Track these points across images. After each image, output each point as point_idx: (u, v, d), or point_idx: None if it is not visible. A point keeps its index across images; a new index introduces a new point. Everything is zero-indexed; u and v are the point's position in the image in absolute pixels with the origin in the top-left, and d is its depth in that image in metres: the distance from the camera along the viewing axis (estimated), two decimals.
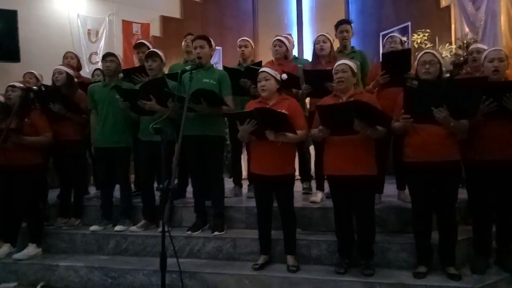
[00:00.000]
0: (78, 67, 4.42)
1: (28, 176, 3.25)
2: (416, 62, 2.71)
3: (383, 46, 3.57)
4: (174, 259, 2.36)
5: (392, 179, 3.48)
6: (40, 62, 5.04)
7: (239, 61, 3.91)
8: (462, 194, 2.97)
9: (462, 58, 5.16)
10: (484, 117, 2.52)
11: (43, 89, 3.54)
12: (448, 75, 5.10)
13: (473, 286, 2.46)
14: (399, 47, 3.47)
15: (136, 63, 4.13)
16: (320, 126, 2.66)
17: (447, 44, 5.75)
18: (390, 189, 3.46)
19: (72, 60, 4.28)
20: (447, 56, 5.47)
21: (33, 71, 4.04)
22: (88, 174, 4.48)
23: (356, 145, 2.63)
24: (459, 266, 2.66)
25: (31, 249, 3.29)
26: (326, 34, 3.47)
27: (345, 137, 2.63)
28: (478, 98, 2.43)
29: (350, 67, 2.73)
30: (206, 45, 3.23)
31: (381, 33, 6.91)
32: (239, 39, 3.92)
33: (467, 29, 5.74)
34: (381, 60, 3.20)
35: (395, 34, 3.67)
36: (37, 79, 3.99)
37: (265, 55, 5.13)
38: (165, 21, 7.54)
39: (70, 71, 3.63)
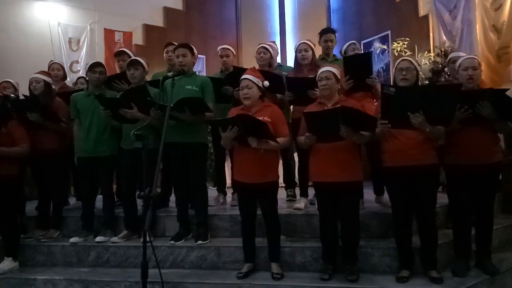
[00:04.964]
0: (63, 78, 4.38)
1: (4, 187, 3.15)
2: (393, 69, 2.76)
3: (345, 52, 3.63)
4: (157, 270, 2.31)
5: (369, 184, 3.50)
6: (19, 71, 4.93)
7: (221, 68, 3.89)
8: (443, 198, 3.03)
9: (440, 66, 5.30)
10: (460, 124, 2.59)
11: (20, 98, 3.46)
12: (427, 82, 5.24)
13: None
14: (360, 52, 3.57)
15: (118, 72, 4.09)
16: (306, 133, 2.67)
17: (426, 52, 5.90)
18: (369, 194, 3.49)
19: (59, 72, 4.25)
20: (426, 64, 5.60)
21: (10, 80, 3.94)
22: (69, 184, 4.38)
23: (342, 151, 2.65)
24: (441, 270, 2.69)
25: (7, 263, 3.19)
26: (307, 42, 3.47)
27: (331, 144, 2.65)
28: (453, 106, 2.49)
29: (334, 74, 2.74)
30: (189, 53, 3.23)
31: (362, 42, 7.03)
32: (220, 47, 3.83)
33: (444, 38, 5.90)
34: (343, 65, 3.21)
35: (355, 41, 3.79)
36: (15, 88, 3.90)
37: (249, 63, 5.14)
38: (148, 29, 7.50)
39: (48, 79, 3.56)
